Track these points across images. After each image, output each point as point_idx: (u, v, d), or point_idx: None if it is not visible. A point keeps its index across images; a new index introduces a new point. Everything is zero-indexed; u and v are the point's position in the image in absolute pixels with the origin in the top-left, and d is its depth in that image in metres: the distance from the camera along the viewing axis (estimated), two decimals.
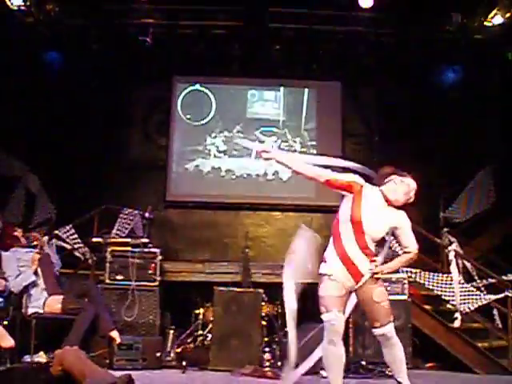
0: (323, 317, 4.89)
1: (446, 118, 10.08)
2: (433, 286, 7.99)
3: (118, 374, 1.87)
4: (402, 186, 5.09)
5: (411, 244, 4.96)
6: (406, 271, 7.85)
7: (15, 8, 8.89)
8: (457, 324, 7.73)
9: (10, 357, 5.95)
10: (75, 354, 1.94)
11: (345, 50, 9.95)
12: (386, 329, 4.85)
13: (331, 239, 4.97)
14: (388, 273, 5.03)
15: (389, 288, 7.57)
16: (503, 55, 9.48)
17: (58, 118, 9.85)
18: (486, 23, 9.12)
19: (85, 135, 10.09)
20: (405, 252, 5.01)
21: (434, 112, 10.09)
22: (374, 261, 4.86)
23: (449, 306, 8.02)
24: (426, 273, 8.03)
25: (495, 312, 8.17)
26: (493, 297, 7.75)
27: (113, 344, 6.94)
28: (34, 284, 6.96)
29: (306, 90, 10.90)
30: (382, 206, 5.00)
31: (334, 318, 4.82)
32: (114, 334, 6.99)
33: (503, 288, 7.72)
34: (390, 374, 6.77)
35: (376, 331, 4.88)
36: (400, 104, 10.29)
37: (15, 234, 7.27)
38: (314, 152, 10.61)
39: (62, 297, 6.99)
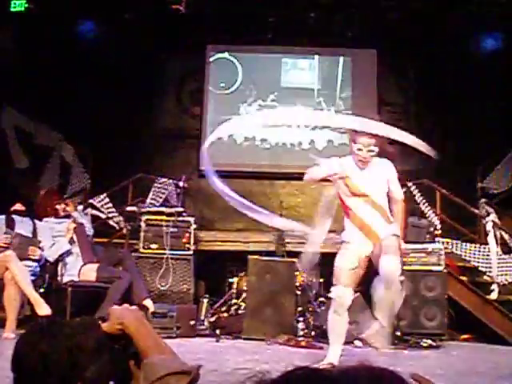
0: (331, 289, 4.94)
1: (484, 88, 9.87)
2: (469, 257, 7.89)
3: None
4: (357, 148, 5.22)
5: (399, 192, 5.19)
6: (443, 242, 7.76)
7: None
8: (494, 296, 7.63)
9: None
10: (137, 316, 1.86)
11: (381, 17, 9.77)
12: (392, 262, 4.83)
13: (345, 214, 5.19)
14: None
15: (425, 259, 7.50)
16: None
17: (92, 88, 9.85)
18: None
19: (119, 105, 10.09)
20: (394, 204, 5.13)
21: (472, 82, 9.88)
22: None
23: (486, 277, 7.92)
24: (463, 244, 7.93)
25: None
26: None
27: (147, 312, 6.98)
28: (69, 253, 7.02)
29: (342, 58, 10.75)
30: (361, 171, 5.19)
31: (340, 294, 4.92)
32: (148, 302, 7.03)
33: None
34: (425, 345, 6.77)
35: (382, 268, 4.83)
36: (438, 73, 10.09)
37: (55, 203, 7.30)
38: None
39: (97, 265, 7.04)
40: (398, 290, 4.86)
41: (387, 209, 5.08)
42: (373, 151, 5.14)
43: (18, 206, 7.17)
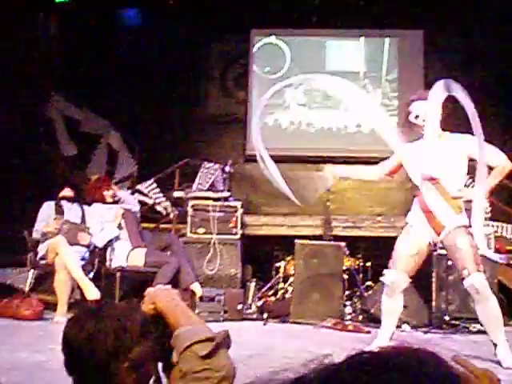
0: (385, 272, 4.87)
1: None
2: None
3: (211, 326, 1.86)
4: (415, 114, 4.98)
5: (496, 157, 4.80)
6: (492, 225, 7.63)
7: None
8: None
9: None
10: (168, 293, 1.92)
11: None
12: (474, 278, 4.60)
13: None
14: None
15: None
16: None
17: (137, 75, 9.92)
18: None
19: (164, 92, 10.15)
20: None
21: None
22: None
23: None
24: None
25: None
26: None
27: (194, 297, 7.04)
28: (117, 238, 7.11)
29: (387, 39, 10.60)
30: (438, 144, 4.85)
31: (393, 279, 4.85)
32: (196, 286, 7.08)
33: None
34: (474, 329, 6.67)
35: (465, 282, 4.66)
36: (486, 53, 9.89)
37: (105, 189, 7.39)
38: (396, 103, 10.38)
39: (145, 250, 7.12)
40: (489, 297, 4.68)
41: (457, 194, 4.87)
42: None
43: (67, 191, 7.28)
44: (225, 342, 1.77)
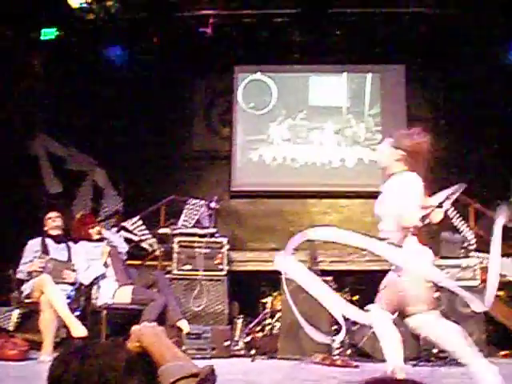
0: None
1: None
2: (505, 271, 7.78)
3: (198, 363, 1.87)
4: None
5: None
6: (478, 257, 7.67)
7: (77, 6, 9.00)
8: None
9: None
10: (154, 331, 1.92)
11: (408, 32, 9.74)
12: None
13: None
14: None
15: (460, 274, 7.42)
16: None
17: (122, 113, 9.98)
18: None
19: (149, 129, 10.21)
20: None
21: (504, 96, 9.78)
22: None
23: None
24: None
25: None
26: None
27: (181, 334, 6.98)
28: (103, 276, 7.07)
29: (370, 74, 10.73)
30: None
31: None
32: (183, 323, 7.03)
33: None
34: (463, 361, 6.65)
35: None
36: (468, 87, 10.02)
37: (90, 226, 7.36)
38: (379, 137, 10.47)
39: (132, 287, 7.07)
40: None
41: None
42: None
43: (53, 215, 7.21)
44: (209, 377, 1.77)
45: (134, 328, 1.94)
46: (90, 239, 7.27)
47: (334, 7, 9.45)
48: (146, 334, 1.89)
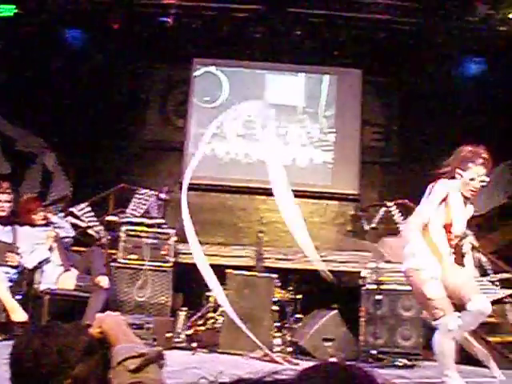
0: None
1: (466, 110, 9.98)
2: None
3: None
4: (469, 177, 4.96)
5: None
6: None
7: None
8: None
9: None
10: (115, 319, 2.00)
11: (367, 37, 9.86)
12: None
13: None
14: None
15: (402, 278, 7.54)
16: None
17: (77, 97, 9.85)
18: (510, 15, 9.01)
19: (103, 115, 10.10)
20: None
21: (455, 103, 9.99)
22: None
23: None
24: None
25: (508, 307, 8.12)
26: (507, 292, 7.70)
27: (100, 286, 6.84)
28: (47, 260, 6.99)
29: (327, 76, 10.81)
30: (464, 204, 5.06)
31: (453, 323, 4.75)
32: (102, 279, 6.91)
33: None
34: (400, 364, 6.80)
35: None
36: (421, 93, 10.19)
37: (35, 210, 7.25)
38: (332, 139, 10.57)
39: (76, 273, 7.02)
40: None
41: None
42: (484, 182, 4.91)
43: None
44: (156, 358, 1.84)
45: (99, 315, 2.03)
46: (33, 224, 7.16)
47: (295, 7, 9.49)
48: (107, 320, 1.96)
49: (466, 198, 4.95)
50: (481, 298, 4.77)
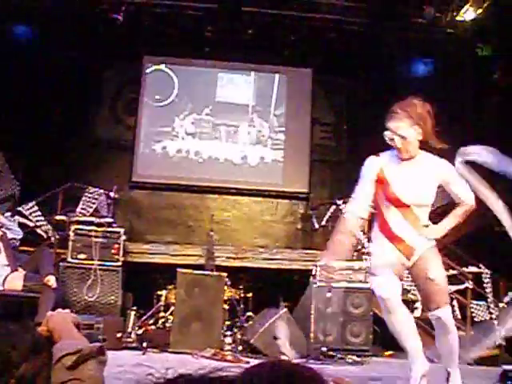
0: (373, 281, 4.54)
1: None
2: None
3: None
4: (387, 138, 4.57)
5: (465, 195, 4.41)
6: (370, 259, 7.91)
7: None
8: (417, 313, 7.81)
9: None
10: (62, 316, 1.97)
11: (317, 37, 9.93)
12: (443, 311, 4.39)
13: (376, 226, 4.58)
14: (445, 233, 4.47)
15: (351, 276, 7.64)
16: (474, 51, 9.53)
17: (25, 94, 9.69)
18: (458, 18, 9.18)
19: (52, 112, 9.97)
20: (460, 204, 4.46)
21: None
22: (427, 226, 4.42)
23: (410, 295, 8.10)
24: None
25: (454, 303, 8.28)
26: (453, 288, 7.84)
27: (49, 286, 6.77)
28: None
29: (277, 75, 10.86)
30: (407, 166, 4.49)
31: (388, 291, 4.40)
32: (50, 278, 6.81)
33: (463, 280, 7.83)
34: (349, 361, 6.88)
35: (431, 314, 4.42)
36: (370, 93, 10.31)
37: None
38: (282, 137, 10.63)
39: (23, 274, 6.91)
40: (452, 330, 4.44)
41: (425, 220, 4.48)
42: (386, 137, 4.54)
43: None
44: (95, 354, 1.83)
45: (49, 312, 2.00)
46: None
47: (248, 6, 9.51)
48: (53, 318, 1.94)
49: (407, 159, 4.50)
50: (447, 312, 4.43)
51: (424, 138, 4.47)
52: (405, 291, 8.12)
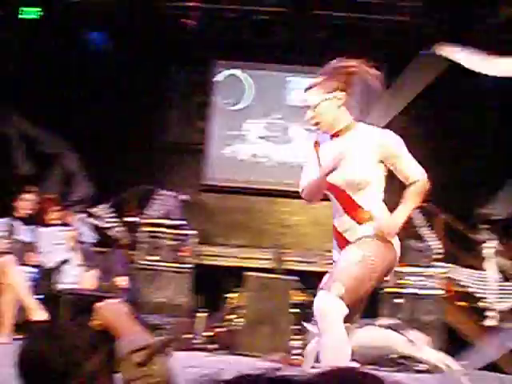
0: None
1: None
2: (468, 282, 7.88)
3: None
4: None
5: (414, 171, 3.65)
6: (441, 266, 7.76)
7: None
8: (490, 322, 7.62)
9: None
10: (115, 308, 1.97)
11: (391, 39, 9.76)
12: (318, 296, 3.56)
13: None
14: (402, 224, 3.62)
15: (423, 283, 7.50)
16: None
17: (99, 98, 9.88)
18: None
19: (124, 116, 10.11)
20: (410, 184, 3.66)
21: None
22: (370, 216, 3.62)
23: (482, 303, 7.91)
24: (462, 269, 7.92)
25: None
26: None
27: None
28: (68, 260, 7.03)
29: None
30: (337, 144, 3.76)
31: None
32: (122, 279, 7.09)
33: None
34: (417, 369, 6.73)
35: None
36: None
37: (55, 210, 7.30)
38: None
39: (96, 273, 7.05)
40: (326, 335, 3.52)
41: (369, 206, 3.66)
42: (314, 108, 3.85)
43: (24, 196, 7.12)
44: (161, 349, 1.82)
45: (97, 305, 2.00)
46: (49, 224, 7.20)
47: (319, 9, 9.44)
48: (105, 311, 1.94)
49: (336, 135, 3.83)
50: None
51: (347, 102, 3.79)
52: (478, 299, 7.96)
